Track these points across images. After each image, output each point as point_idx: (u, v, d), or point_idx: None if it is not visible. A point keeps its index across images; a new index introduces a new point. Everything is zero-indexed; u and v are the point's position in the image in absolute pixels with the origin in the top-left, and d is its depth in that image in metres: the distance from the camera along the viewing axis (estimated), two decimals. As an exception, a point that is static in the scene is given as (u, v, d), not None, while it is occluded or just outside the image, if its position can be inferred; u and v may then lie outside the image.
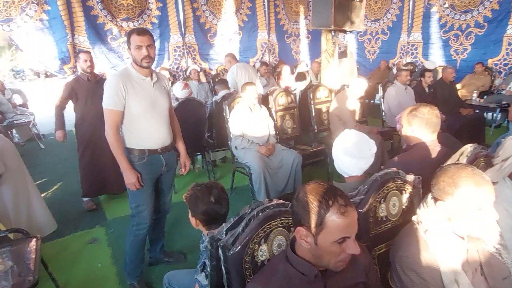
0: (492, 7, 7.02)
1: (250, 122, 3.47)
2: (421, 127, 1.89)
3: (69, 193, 3.96)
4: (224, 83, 4.24)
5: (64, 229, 3.13)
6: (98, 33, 7.01)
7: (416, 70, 8.13)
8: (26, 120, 6.11)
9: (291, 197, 3.49)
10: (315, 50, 9.78)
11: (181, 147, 2.48)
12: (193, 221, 1.60)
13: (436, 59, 8.05)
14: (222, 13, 8.59)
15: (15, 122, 6.01)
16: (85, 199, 3.56)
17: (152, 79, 2.15)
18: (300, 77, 5.56)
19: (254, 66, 9.03)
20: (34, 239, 2.13)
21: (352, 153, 1.53)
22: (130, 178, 2.09)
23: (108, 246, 2.92)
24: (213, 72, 8.49)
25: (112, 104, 2.04)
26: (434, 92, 5.21)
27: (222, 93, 4.13)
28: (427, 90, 5.19)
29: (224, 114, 3.63)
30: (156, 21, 7.68)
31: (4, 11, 5.70)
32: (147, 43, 2.03)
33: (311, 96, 4.26)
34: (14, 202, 2.67)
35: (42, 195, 3.89)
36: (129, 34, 2.06)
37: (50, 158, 5.43)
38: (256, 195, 3.27)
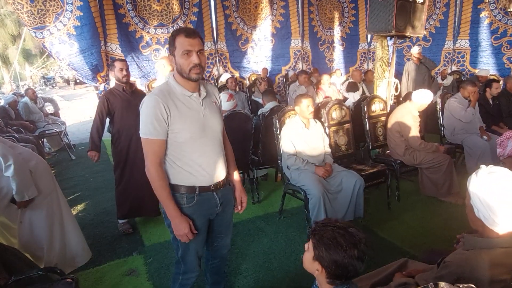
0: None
1: (304, 139, 3.07)
2: None
3: (102, 212, 3.67)
4: (272, 94, 3.84)
5: (98, 256, 2.82)
6: (129, 41, 6.92)
7: (463, 79, 7.55)
8: (57, 130, 5.93)
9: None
10: (349, 58, 9.33)
11: (236, 179, 1.96)
12: (314, 264, 1.18)
13: (486, 68, 7.44)
14: (254, 20, 8.30)
15: (47, 132, 5.84)
16: (121, 221, 3.24)
17: (200, 95, 1.67)
18: (352, 87, 5.11)
19: (287, 74, 8.70)
20: (72, 282, 1.80)
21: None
22: (180, 228, 1.62)
23: (149, 280, 2.55)
24: (246, 81, 8.19)
25: (152, 133, 1.56)
26: (499, 104, 4.68)
27: (269, 105, 3.73)
28: (491, 102, 4.66)
29: (274, 129, 3.25)
30: (192, 27, 7.46)
31: (38, 18, 5.59)
32: (198, 47, 1.55)
33: (365, 109, 3.84)
34: (48, 230, 2.36)
35: (74, 213, 3.63)
36: (173, 36, 1.56)
37: (81, 170, 5.19)
38: (313, 223, 2.86)
